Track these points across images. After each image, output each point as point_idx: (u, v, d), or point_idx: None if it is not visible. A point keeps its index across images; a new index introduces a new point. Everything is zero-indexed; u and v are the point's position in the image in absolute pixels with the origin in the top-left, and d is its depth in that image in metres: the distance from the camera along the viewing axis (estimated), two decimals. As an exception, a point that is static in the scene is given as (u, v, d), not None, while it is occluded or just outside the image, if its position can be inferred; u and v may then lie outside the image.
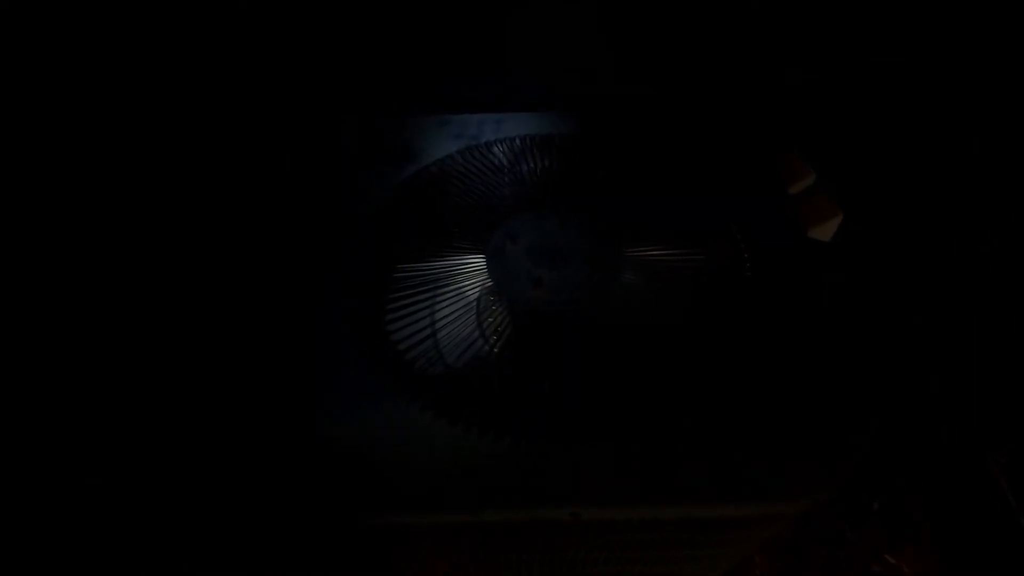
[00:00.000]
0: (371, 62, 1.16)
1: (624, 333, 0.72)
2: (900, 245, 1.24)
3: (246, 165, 1.20)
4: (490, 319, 0.75)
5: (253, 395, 1.18)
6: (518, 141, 0.93)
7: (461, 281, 0.78)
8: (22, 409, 1.16)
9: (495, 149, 0.92)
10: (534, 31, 1.11)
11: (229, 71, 1.16)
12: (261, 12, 1.11)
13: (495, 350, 0.71)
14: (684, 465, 0.63)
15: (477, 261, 0.78)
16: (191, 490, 1.17)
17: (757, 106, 1.02)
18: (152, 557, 1.12)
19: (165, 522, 1.15)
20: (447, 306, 0.75)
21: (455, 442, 0.65)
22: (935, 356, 1.30)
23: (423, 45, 1.13)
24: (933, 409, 1.29)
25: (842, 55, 1.08)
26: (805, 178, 0.89)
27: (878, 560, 1.16)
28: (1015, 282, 1.26)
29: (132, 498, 1.15)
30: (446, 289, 0.77)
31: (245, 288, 1.22)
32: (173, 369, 1.21)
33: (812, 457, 0.64)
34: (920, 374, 1.30)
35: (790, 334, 0.73)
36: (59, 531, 1.12)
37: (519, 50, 1.12)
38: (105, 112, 1.15)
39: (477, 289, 0.76)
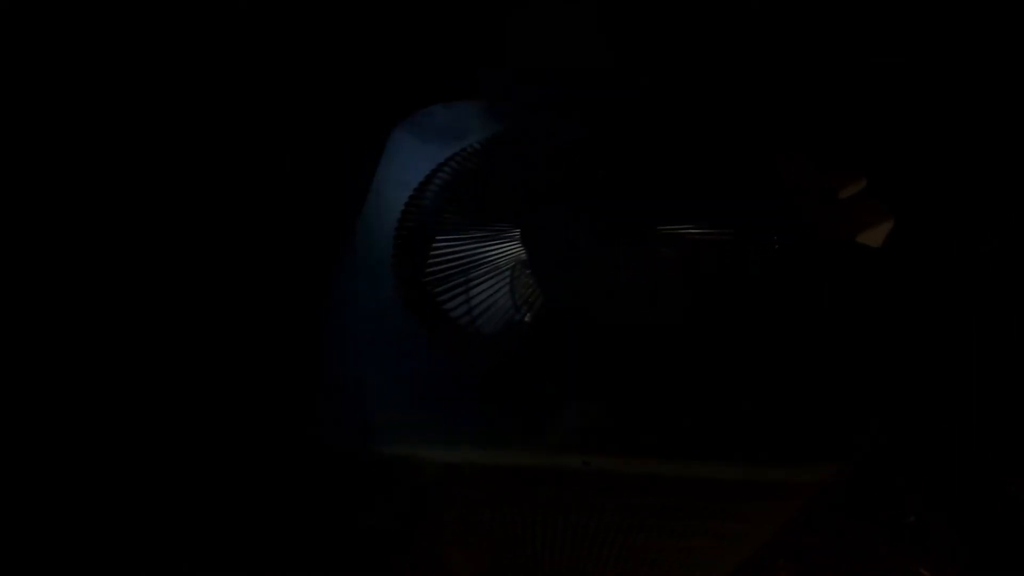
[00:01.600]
0: (370, 61, 1.18)
1: (648, 314, 0.74)
2: (902, 244, 1.24)
3: (246, 164, 1.21)
4: (522, 290, 0.77)
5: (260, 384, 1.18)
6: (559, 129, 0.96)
7: (497, 253, 0.80)
8: (22, 410, 1.16)
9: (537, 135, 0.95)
10: (536, 29, 1.13)
11: (229, 71, 1.17)
12: (261, 12, 1.13)
13: (525, 319, 0.73)
14: (694, 427, 0.63)
15: (514, 236, 0.81)
16: (194, 482, 1.16)
17: (756, 106, 1.03)
18: (152, 557, 1.11)
19: (165, 521, 1.14)
20: (483, 273, 0.77)
21: (482, 390, 0.65)
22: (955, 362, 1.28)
23: (423, 44, 1.15)
24: (962, 424, 1.26)
25: (842, 55, 1.10)
26: (856, 184, 0.90)
27: (912, 573, 1.12)
28: (1015, 282, 1.26)
29: (132, 497, 1.15)
30: (483, 257, 0.79)
31: (254, 271, 1.22)
32: (179, 357, 1.21)
33: (822, 429, 0.64)
34: (944, 384, 1.28)
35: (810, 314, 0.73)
36: (59, 531, 1.11)
37: (520, 49, 1.14)
38: (105, 112, 1.16)
39: (511, 261, 0.78)
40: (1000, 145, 1.18)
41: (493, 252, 0.78)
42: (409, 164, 0.88)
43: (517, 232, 0.79)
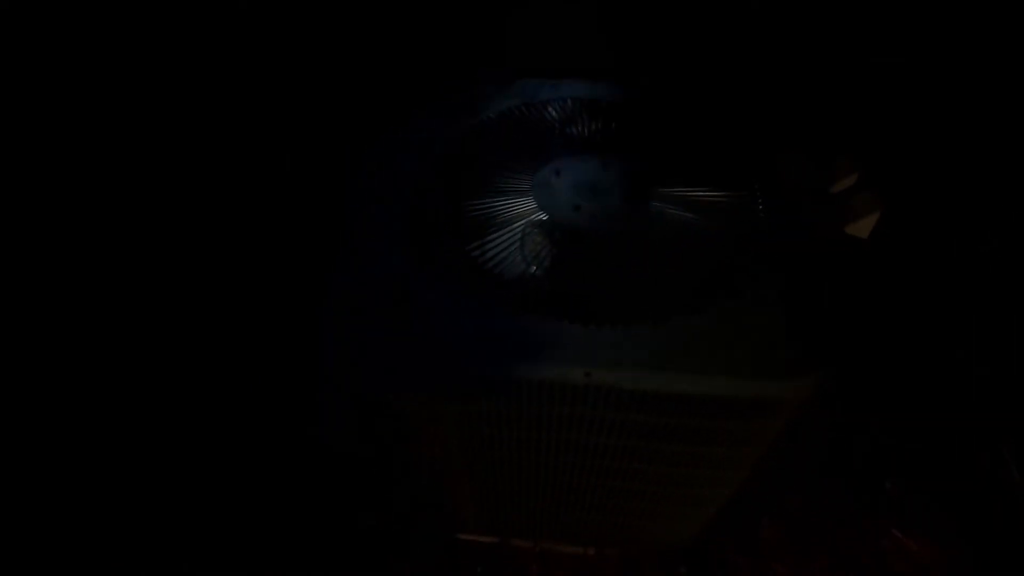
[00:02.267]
0: (370, 61, 1.19)
1: (645, 247, 0.85)
2: (903, 244, 1.28)
3: (246, 163, 1.21)
4: (532, 246, 0.89)
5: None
6: (569, 101, 1.08)
7: (510, 208, 0.92)
8: (22, 411, 1.15)
9: (549, 107, 1.07)
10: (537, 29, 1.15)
11: (229, 71, 1.17)
12: (261, 12, 1.13)
13: (533, 269, 0.85)
14: (685, 349, 0.74)
15: (525, 190, 0.93)
16: (195, 482, 1.16)
17: (756, 105, 1.06)
18: (152, 557, 1.11)
19: (165, 522, 1.14)
20: (497, 230, 0.89)
21: (494, 320, 0.77)
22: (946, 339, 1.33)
23: (422, 44, 1.16)
24: (945, 396, 1.33)
25: (842, 55, 1.14)
26: (848, 178, 0.98)
27: (887, 535, 1.20)
28: (1015, 282, 1.31)
29: (132, 497, 1.15)
30: (497, 214, 0.91)
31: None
32: (179, 357, 1.22)
33: (799, 346, 0.74)
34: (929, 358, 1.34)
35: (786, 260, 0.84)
36: (59, 530, 1.11)
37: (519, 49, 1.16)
38: (104, 112, 1.17)
39: (523, 221, 0.90)
40: (1000, 145, 1.22)
41: (506, 211, 0.90)
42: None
43: (528, 196, 0.90)
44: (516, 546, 1.18)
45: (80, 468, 1.16)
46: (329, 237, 0.85)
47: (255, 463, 1.19)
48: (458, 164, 0.99)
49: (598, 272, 0.82)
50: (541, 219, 0.90)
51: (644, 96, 1.09)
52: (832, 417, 1.31)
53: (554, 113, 1.06)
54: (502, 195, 0.94)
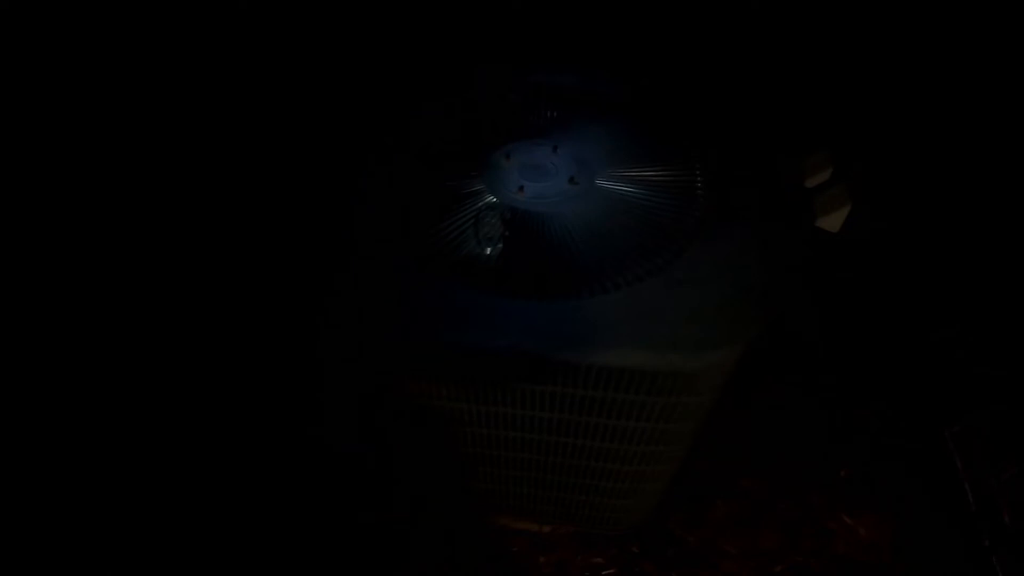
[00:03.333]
0: (368, 61, 1.21)
1: (578, 226, 0.89)
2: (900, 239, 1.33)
3: (246, 163, 1.19)
4: (483, 226, 0.93)
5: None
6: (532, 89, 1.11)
7: (465, 189, 0.96)
8: (22, 411, 1.15)
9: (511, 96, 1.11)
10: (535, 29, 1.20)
11: (228, 71, 1.18)
12: (261, 12, 1.14)
13: (483, 245, 0.88)
14: (606, 323, 0.77)
15: (477, 175, 0.96)
16: (194, 481, 1.17)
17: (757, 104, 1.08)
18: (152, 557, 1.12)
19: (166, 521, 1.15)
20: (452, 212, 0.92)
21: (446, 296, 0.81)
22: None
23: (421, 44, 1.19)
24: (907, 392, 1.36)
25: (842, 55, 1.15)
26: (823, 172, 1.00)
27: (835, 519, 1.23)
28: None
29: (132, 497, 1.16)
30: (454, 195, 0.95)
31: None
32: (179, 358, 1.24)
33: (714, 328, 0.77)
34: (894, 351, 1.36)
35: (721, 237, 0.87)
36: (59, 531, 1.11)
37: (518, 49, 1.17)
38: (102, 112, 1.17)
39: (476, 201, 0.93)
40: (1000, 144, 1.23)
41: (462, 192, 0.94)
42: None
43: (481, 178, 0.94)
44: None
45: (80, 467, 1.18)
46: (329, 236, 0.89)
47: (255, 463, 1.21)
48: (428, 154, 1.03)
49: (531, 249, 0.86)
50: (491, 200, 0.93)
51: (607, 87, 1.12)
52: (795, 399, 1.35)
53: (516, 101, 1.09)
54: (459, 177, 0.98)
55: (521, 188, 0.94)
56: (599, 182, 0.96)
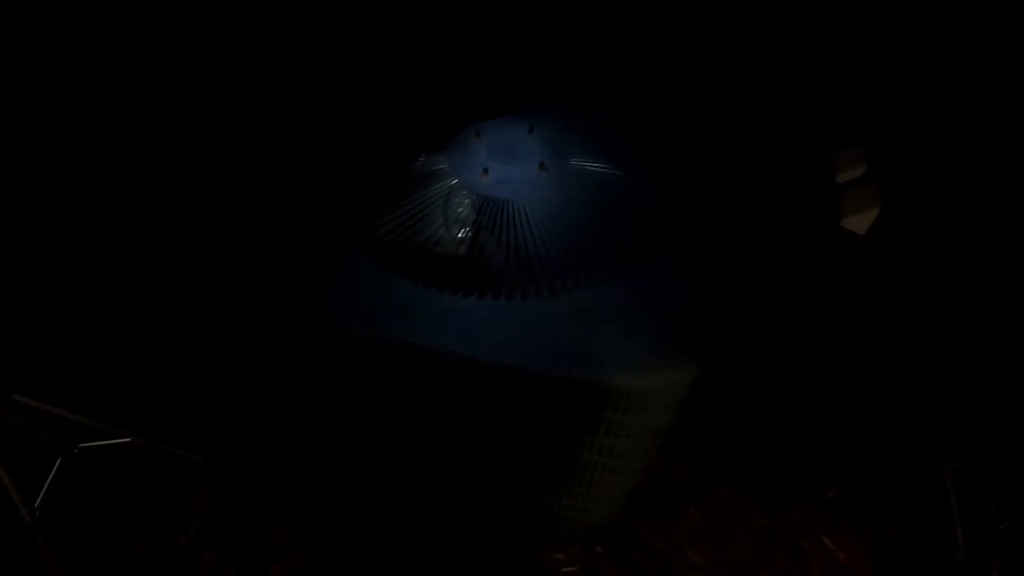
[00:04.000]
0: (368, 61, 1.19)
1: (545, 221, 0.82)
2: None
3: (244, 163, 1.21)
4: (456, 208, 0.87)
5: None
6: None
7: (429, 167, 0.90)
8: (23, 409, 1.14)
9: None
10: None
11: (229, 71, 1.17)
12: (261, 12, 1.13)
13: (455, 232, 0.83)
14: (547, 330, 0.71)
15: (442, 155, 0.90)
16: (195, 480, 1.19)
17: (757, 103, 1.06)
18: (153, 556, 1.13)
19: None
20: (411, 195, 0.87)
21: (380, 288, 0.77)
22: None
23: (421, 44, 1.16)
24: (907, 393, 1.28)
25: (842, 54, 1.08)
26: (856, 168, 0.91)
27: (813, 539, 1.16)
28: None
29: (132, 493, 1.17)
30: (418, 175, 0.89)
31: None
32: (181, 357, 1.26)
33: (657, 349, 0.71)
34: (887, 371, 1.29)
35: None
36: (61, 536, 1.07)
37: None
38: (102, 112, 1.18)
39: (436, 186, 0.88)
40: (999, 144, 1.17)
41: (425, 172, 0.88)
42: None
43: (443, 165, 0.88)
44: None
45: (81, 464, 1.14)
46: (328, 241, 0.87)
47: (256, 462, 1.22)
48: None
49: (479, 241, 0.80)
50: (452, 183, 0.88)
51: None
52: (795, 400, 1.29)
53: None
54: (422, 156, 0.92)
55: (486, 171, 0.88)
56: (572, 169, 0.89)
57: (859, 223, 0.89)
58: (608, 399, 0.72)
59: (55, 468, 0.99)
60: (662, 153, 0.93)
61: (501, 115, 0.96)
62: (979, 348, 1.28)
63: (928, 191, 1.27)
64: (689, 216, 0.84)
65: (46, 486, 0.97)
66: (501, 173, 0.88)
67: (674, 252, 0.80)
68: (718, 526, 1.19)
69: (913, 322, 1.34)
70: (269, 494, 1.20)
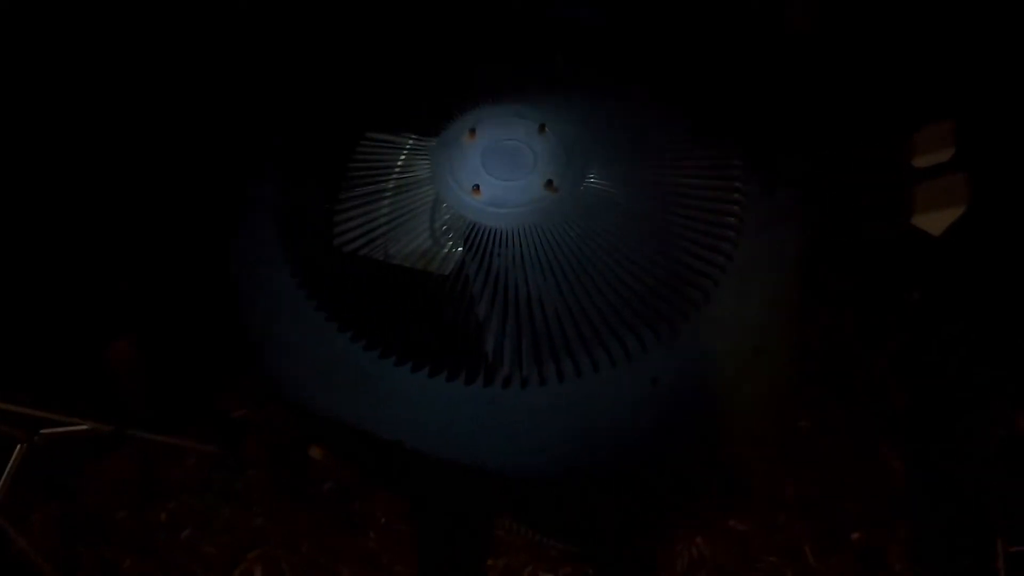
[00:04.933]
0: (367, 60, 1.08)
1: (540, 270, 0.64)
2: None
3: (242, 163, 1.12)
4: (442, 216, 0.70)
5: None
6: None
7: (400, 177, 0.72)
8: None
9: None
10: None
11: (229, 71, 1.14)
12: (261, 12, 1.10)
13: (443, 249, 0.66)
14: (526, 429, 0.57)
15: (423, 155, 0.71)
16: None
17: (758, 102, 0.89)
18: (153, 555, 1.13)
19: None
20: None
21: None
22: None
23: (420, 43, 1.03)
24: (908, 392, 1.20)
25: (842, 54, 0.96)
26: (942, 151, 0.71)
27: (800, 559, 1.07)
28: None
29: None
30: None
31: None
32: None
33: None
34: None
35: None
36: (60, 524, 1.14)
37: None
38: (101, 111, 1.16)
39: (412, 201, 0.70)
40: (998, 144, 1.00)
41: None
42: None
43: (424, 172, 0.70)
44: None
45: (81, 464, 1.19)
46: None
47: (256, 462, 1.19)
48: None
49: (447, 299, 0.63)
50: (430, 197, 0.70)
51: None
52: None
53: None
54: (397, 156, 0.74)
55: (476, 187, 0.69)
56: (588, 188, 0.69)
57: (936, 222, 0.70)
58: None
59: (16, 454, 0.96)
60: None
61: (506, 100, 0.75)
62: (979, 348, 1.17)
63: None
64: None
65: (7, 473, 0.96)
66: (496, 191, 0.69)
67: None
68: (724, 560, 1.10)
69: (912, 322, 1.24)
70: (251, 473, 1.17)
